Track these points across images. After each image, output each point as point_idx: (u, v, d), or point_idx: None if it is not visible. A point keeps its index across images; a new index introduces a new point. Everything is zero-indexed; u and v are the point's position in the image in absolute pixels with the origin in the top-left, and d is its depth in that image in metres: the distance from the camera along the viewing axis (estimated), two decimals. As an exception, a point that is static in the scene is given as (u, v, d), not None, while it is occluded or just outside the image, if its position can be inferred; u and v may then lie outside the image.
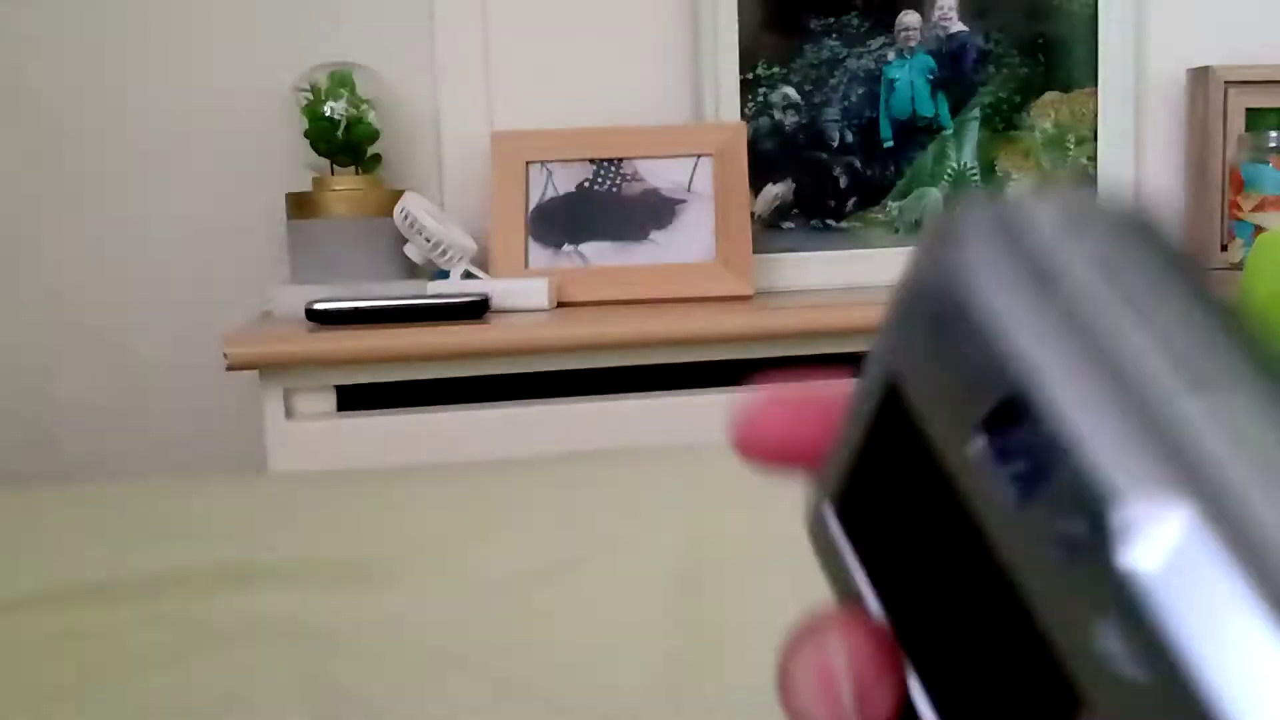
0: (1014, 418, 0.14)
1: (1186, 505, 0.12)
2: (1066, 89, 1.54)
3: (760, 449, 0.21)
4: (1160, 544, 0.12)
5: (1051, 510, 0.13)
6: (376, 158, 1.42)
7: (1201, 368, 0.13)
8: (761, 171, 1.49)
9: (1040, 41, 1.53)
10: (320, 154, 1.40)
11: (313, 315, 1.23)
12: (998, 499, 0.14)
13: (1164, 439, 0.13)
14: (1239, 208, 1.51)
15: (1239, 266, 1.29)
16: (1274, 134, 1.51)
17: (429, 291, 1.28)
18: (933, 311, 0.16)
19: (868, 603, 0.19)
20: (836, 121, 1.51)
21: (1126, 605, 0.12)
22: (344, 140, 1.39)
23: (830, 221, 1.51)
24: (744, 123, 1.47)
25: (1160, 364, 0.14)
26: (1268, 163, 1.50)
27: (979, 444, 0.15)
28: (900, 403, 0.17)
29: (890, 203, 1.52)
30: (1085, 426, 0.13)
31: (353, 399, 1.24)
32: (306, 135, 1.39)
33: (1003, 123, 1.54)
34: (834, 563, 0.20)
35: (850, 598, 0.19)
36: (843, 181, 1.52)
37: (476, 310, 1.26)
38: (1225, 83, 1.54)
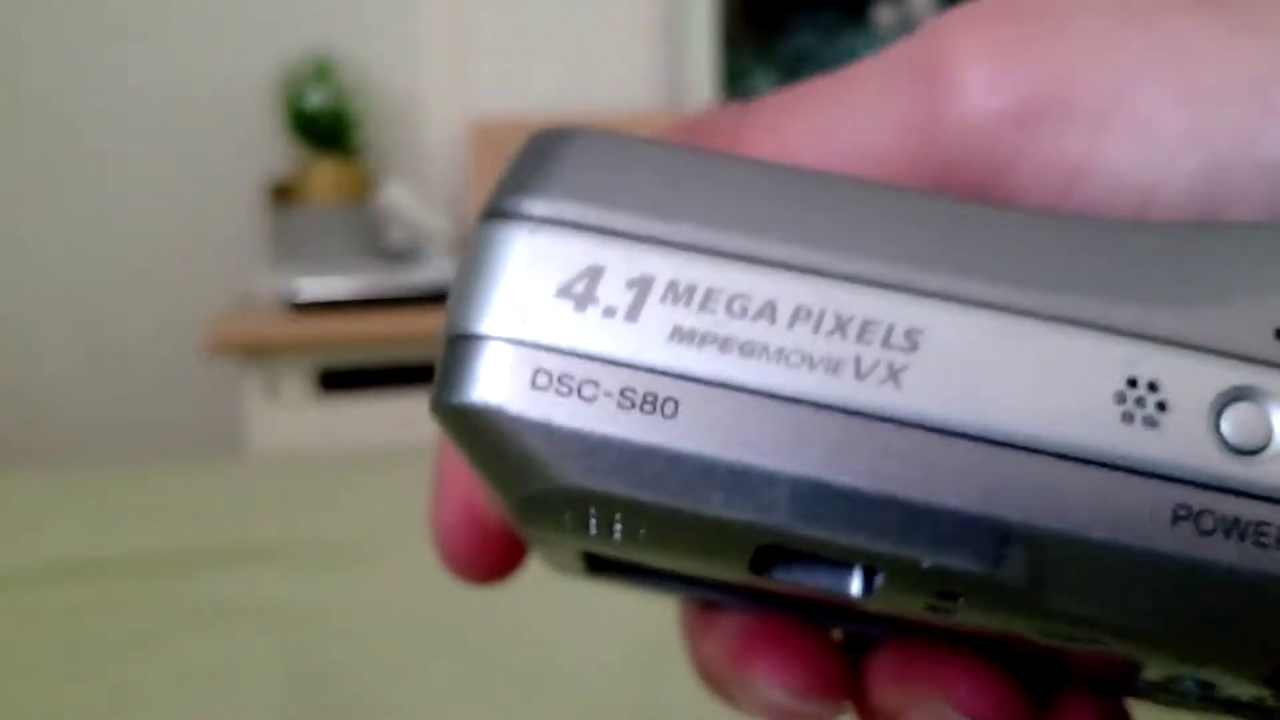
0: None
1: None
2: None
3: (480, 566, 0.18)
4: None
5: None
6: (357, 145, 1.43)
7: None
8: (738, 160, 1.51)
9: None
10: (301, 141, 1.40)
11: (294, 301, 1.25)
12: None
13: None
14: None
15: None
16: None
17: (409, 277, 1.29)
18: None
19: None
20: (812, 111, 1.53)
21: None
22: (325, 127, 1.40)
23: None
24: (721, 112, 1.49)
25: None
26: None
27: None
28: None
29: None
30: None
31: (334, 382, 1.25)
32: (287, 122, 1.40)
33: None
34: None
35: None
36: (818, 170, 1.54)
37: (455, 296, 1.27)
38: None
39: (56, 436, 1.50)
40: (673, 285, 0.13)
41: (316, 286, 1.25)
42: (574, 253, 0.13)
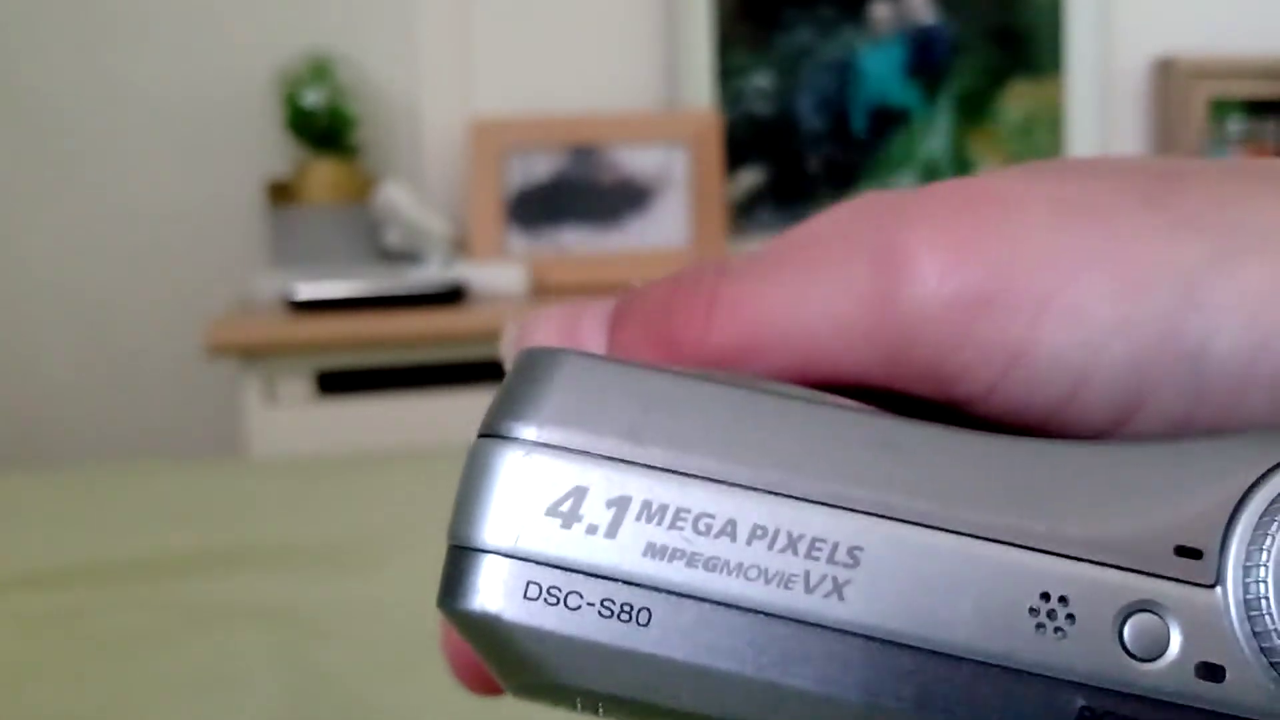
0: None
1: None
2: (1036, 77, 1.56)
3: (485, 685, 0.19)
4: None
5: None
6: (356, 145, 1.43)
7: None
8: (736, 158, 1.51)
9: (1009, 29, 1.56)
10: (300, 141, 1.40)
11: (292, 302, 1.25)
12: None
13: None
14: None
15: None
16: (1236, 124, 1.54)
17: (408, 278, 1.29)
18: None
19: None
20: (809, 109, 1.53)
21: None
22: (323, 128, 1.40)
23: (803, 208, 1.53)
24: (718, 111, 1.49)
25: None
26: (1226, 153, 1.53)
27: None
28: None
29: (863, 190, 1.54)
30: None
31: (333, 384, 1.25)
32: (286, 123, 1.40)
33: (973, 110, 1.56)
34: None
35: None
36: (816, 169, 1.54)
37: (454, 296, 1.27)
38: (1188, 75, 1.57)
39: (55, 438, 1.50)
40: (647, 505, 0.15)
41: (315, 287, 1.25)
42: (561, 475, 0.15)
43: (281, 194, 1.39)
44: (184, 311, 1.45)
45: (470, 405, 1.35)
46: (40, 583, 0.62)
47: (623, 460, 0.15)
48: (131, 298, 1.49)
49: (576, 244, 1.43)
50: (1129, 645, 0.14)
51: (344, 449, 1.11)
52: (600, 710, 0.15)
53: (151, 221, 1.49)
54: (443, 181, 1.50)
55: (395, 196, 1.33)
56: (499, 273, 1.34)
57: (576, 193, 1.43)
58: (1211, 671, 0.14)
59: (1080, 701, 0.14)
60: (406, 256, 1.37)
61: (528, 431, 0.15)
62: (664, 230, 1.42)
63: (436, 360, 1.26)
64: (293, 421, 1.23)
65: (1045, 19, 1.55)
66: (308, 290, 1.25)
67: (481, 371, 1.25)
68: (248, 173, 1.46)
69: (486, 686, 0.20)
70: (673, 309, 0.17)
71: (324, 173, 1.39)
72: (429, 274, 1.31)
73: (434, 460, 0.85)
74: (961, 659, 0.14)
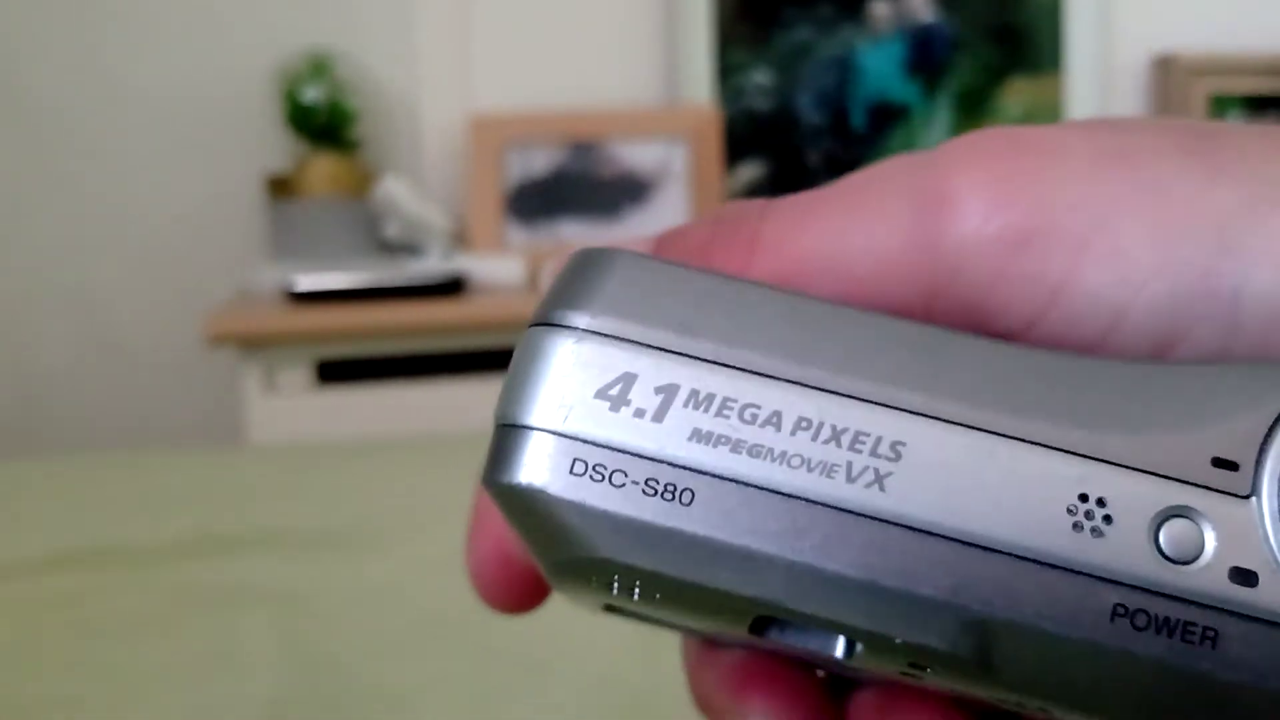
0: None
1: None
2: (1035, 74, 1.57)
3: (509, 599, 0.20)
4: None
5: None
6: (355, 139, 1.43)
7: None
8: (735, 154, 1.51)
9: (1009, 26, 1.56)
10: (300, 137, 1.41)
11: (292, 293, 1.25)
12: None
13: None
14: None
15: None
16: (1236, 121, 1.54)
17: (407, 269, 1.29)
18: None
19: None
20: (809, 106, 1.53)
21: None
22: (323, 123, 1.40)
23: (803, 203, 1.53)
24: (718, 106, 1.49)
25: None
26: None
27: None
28: None
29: (862, 185, 1.54)
30: None
31: (332, 373, 1.25)
32: (286, 119, 1.40)
33: (973, 107, 1.56)
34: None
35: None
36: (816, 164, 1.54)
37: (453, 287, 1.27)
38: (1187, 72, 1.57)
39: (57, 427, 1.50)
40: (694, 393, 0.15)
41: (315, 279, 1.25)
42: (612, 361, 0.15)
43: (281, 188, 1.39)
44: (185, 302, 1.45)
45: (468, 395, 1.35)
46: (41, 569, 0.62)
47: (673, 351, 0.15)
48: (133, 288, 1.49)
49: (575, 237, 1.43)
50: (1164, 548, 0.14)
51: (342, 437, 1.11)
52: (637, 592, 0.16)
53: (153, 217, 1.49)
54: (442, 176, 1.50)
55: (395, 191, 1.33)
56: (498, 265, 1.34)
57: (576, 187, 1.43)
58: (1244, 577, 0.14)
59: (1115, 600, 0.14)
60: (405, 249, 1.37)
61: (581, 319, 0.16)
62: (663, 224, 1.42)
63: (435, 350, 1.26)
64: (292, 410, 1.24)
65: (1045, 16, 1.55)
66: (307, 282, 1.25)
67: (480, 361, 1.25)
68: (248, 168, 1.46)
69: (509, 602, 0.20)
70: (715, 245, 0.17)
71: (324, 167, 1.39)
72: (428, 265, 1.31)
73: (432, 448, 0.85)
74: (998, 552, 0.14)
